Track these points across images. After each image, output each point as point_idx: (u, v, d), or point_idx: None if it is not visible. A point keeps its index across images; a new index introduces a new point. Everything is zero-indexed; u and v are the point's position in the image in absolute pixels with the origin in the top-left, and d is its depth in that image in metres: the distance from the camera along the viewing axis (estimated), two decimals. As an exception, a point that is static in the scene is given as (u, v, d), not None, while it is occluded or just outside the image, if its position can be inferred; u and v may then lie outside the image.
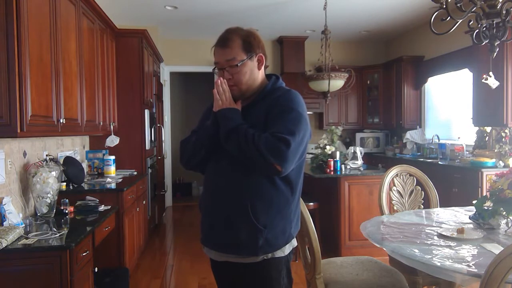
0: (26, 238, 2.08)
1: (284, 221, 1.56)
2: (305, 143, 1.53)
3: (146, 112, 4.68)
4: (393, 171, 3.02)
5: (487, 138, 4.70)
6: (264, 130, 1.49)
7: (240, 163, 1.51)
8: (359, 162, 4.67)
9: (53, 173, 2.67)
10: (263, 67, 1.65)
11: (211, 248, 1.63)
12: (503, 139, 4.44)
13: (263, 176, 1.51)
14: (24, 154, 2.75)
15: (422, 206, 2.98)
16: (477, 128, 4.82)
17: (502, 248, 1.38)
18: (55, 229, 2.29)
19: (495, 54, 2.24)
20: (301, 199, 2.03)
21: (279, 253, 1.57)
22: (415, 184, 3.04)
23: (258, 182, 1.52)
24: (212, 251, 1.63)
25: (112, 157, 4.15)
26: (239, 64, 1.56)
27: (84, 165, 4.10)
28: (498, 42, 2.20)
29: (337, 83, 4.62)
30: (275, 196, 1.53)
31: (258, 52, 1.61)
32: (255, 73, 1.61)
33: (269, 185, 1.52)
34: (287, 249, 1.60)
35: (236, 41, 1.57)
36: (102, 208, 2.93)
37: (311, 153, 4.83)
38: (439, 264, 1.69)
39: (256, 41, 1.61)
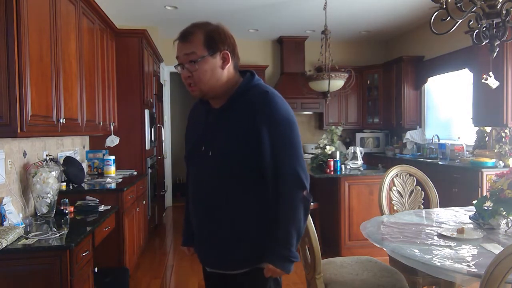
0: (26, 238, 2.08)
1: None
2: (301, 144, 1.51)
3: (146, 112, 4.68)
4: (393, 171, 3.02)
5: (487, 138, 4.70)
6: (245, 137, 1.43)
7: (215, 175, 1.47)
8: (359, 162, 4.67)
9: (53, 173, 2.67)
10: (229, 65, 1.48)
11: (200, 262, 1.63)
12: (503, 139, 4.44)
13: (246, 190, 1.46)
14: (24, 154, 2.75)
15: (422, 206, 2.98)
16: (477, 128, 4.82)
17: (502, 248, 1.38)
18: (55, 229, 2.29)
19: (495, 54, 2.25)
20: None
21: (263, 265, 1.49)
22: (415, 184, 3.04)
23: (240, 197, 1.46)
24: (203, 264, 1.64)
25: (112, 157, 4.15)
26: (198, 61, 1.42)
27: (84, 165, 4.10)
28: (498, 42, 2.20)
29: (337, 83, 4.62)
30: (259, 207, 1.47)
31: (222, 49, 1.45)
32: (218, 72, 1.46)
33: (251, 198, 1.46)
34: None
35: (198, 35, 1.43)
36: (102, 208, 2.93)
37: (311, 153, 4.84)
38: (439, 264, 1.69)
39: (222, 37, 1.46)
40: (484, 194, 3.53)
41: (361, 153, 4.75)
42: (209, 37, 1.43)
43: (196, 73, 1.44)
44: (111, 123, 4.20)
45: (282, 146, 1.43)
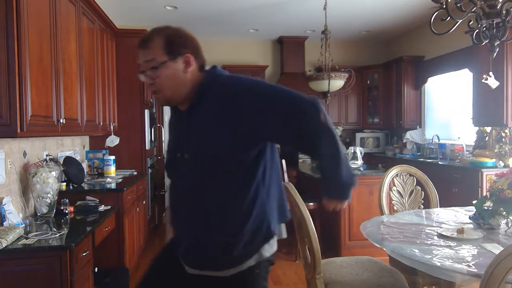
0: (26, 238, 2.08)
1: (258, 220, 1.42)
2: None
3: (146, 112, 4.68)
4: (393, 171, 3.02)
5: (487, 138, 4.70)
6: (222, 131, 1.37)
7: (195, 179, 1.42)
8: (359, 162, 4.67)
9: (53, 173, 2.67)
10: (193, 68, 1.44)
11: (187, 266, 1.51)
12: (503, 139, 4.44)
13: (228, 187, 1.40)
14: (24, 154, 2.75)
15: (422, 206, 2.98)
16: (477, 128, 4.82)
17: (502, 248, 1.38)
18: (55, 229, 2.29)
19: (495, 54, 2.25)
20: (300, 199, 2.03)
21: (251, 262, 1.43)
22: (415, 184, 3.04)
23: (216, 193, 1.40)
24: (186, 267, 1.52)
25: (112, 157, 4.15)
26: (159, 67, 1.38)
27: (84, 165, 4.10)
28: (498, 42, 2.21)
29: (337, 83, 4.62)
30: (244, 203, 1.40)
31: (184, 53, 1.41)
32: (181, 77, 1.41)
33: (235, 195, 1.40)
34: (266, 251, 1.45)
35: (157, 41, 1.40)
36: (102, 208, 2.93)
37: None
38: (439, 264, 1.69)
39: (182, 40, 1.42)
40: (484, 194, 3.53)
41: (361, 153, 4.75)
42: (169, 42, 1.40)
43: (158, 80, 1.40)
44: (111, 123, 4.20)
45: (275, 113, 1.37)
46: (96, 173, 4.26)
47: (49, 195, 2.59)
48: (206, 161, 1.40)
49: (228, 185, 1.40)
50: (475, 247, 1.91)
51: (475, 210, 2.29)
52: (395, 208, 2.96)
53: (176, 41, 1.41)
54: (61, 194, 2.85)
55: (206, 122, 1.41)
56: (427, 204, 3.00)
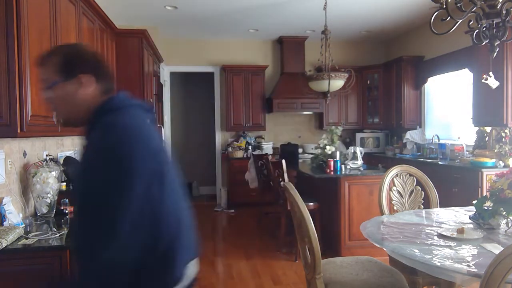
0: (26, 238, 2.08)
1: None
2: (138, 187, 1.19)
3: (146, 112, 4.67)
4: (393, 171, 3.02)
5: (487, 138, 4.70)
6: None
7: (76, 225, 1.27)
8: (359, 162, 4.67)
9: (53, 173, 2.67)
10: (91, 90, 1.36)
11: None
12: (503, 139, 4.44)
13: (86, 225, 1.20)
14: (24, 154, 2.75)
15: (422, 206, 2.98)
16: (477, 128, 4.82)
17: (502, 248, 1.38)
18: (55, 229, 2.29)
19: (495, 54, 2.25)
20: (300, 199, 2.02)
21: None
22: (415, 184, 3.04)
23: (84, 236, 1.21)
24: None
25: (112, 157, 4.15)
26: (51, 86, 1.32)
27: (84, 165, 4.09)
28: (498, 42, 2.20)
29: (337, 83, 4.63)
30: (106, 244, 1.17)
31: (81, 73, 1.33)
32: (74, 99, 1.33)
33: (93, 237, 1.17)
34: None
35: (53, 59, 1.33)
36: (102, 208, 2.93)
37: (311, 153, 4.84)
38: (439, 264, 1.69)
39: (81, 61, 1.35)
40: (484, 194, 3.53)
41: (361, 153, 4.75)
42: (64, 61, 1.33)
43: (53, 100, 1.35)
44: (111, 123, 4.19)
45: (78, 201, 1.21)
46: (96, 173, 4.26)
47: (49, 195, 2.59)
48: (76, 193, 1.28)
49: (92, 228, 1.19)
50: (475, 247, 1.91)
51: (475, 210, 2.30)
52: (395, 208, 2.96)
53: (73, 61, 1.34)
54: (61, 194, 2.85)
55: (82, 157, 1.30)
56: (427, 204, 3.00)
